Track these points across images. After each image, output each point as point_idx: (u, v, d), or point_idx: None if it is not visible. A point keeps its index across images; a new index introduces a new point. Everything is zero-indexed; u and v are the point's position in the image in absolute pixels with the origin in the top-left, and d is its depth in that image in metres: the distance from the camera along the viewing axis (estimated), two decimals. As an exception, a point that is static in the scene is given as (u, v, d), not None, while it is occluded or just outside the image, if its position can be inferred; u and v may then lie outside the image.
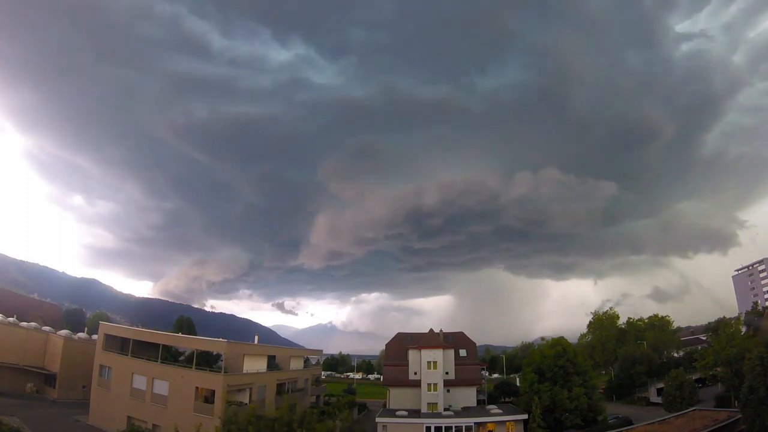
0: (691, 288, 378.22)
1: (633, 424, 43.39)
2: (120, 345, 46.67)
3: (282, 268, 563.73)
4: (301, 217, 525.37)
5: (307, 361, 66.89)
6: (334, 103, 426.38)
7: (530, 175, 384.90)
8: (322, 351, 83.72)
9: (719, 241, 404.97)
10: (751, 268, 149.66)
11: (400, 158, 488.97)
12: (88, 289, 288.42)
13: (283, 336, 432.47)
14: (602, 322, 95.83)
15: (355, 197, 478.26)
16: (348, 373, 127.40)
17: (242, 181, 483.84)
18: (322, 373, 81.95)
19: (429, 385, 54.09)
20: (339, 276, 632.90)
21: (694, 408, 43.24)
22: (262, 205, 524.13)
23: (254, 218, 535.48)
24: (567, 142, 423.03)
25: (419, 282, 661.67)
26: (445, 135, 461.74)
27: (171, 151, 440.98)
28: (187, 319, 79.61)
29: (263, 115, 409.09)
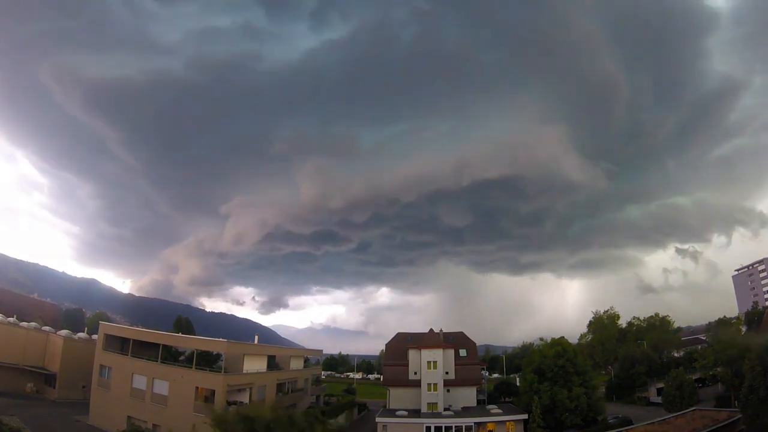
0: (684, 283, 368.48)
1: (633, 424, 43.40)
2: (120, 345, 46.72)
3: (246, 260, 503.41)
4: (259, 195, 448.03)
5: (307, 361, 67.02)
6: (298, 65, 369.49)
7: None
8: (322, 351, 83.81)
9: (711, 234, 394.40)
10: (751, 268, 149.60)
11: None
12: (88, 289, 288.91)
13: (283, 336, 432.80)
14: (602, 322, 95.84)
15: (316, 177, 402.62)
16: (348, 373, 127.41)
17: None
18: (322, 373, 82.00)
19: (429, 384, 54.09)
20: (310, 270, 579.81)
21: (694, 408, 43.17)
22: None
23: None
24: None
25: (405, 277, 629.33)
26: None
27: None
28: (186, 319, 79.53)
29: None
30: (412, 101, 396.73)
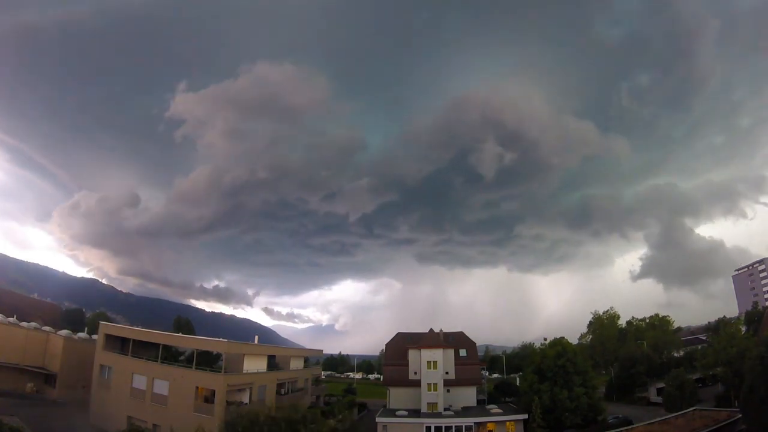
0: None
1: (633, 424, 43.39)
2: (120, 345, 46.71)
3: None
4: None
5: (307, 361, 66.98)
6: None
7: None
8: (322, 351, 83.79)
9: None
10: (751, 268, 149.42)
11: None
12: (88, 289, 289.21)
13: (283, 336, 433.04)
14: (602, 322, 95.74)
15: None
16: (348, 373, 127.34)
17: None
18: (322, 373, 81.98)
19: (429, 384, 54.06)
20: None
21: (694, 408, 43.18)
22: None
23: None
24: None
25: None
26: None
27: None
28: (186, 319, 79.67)
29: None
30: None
